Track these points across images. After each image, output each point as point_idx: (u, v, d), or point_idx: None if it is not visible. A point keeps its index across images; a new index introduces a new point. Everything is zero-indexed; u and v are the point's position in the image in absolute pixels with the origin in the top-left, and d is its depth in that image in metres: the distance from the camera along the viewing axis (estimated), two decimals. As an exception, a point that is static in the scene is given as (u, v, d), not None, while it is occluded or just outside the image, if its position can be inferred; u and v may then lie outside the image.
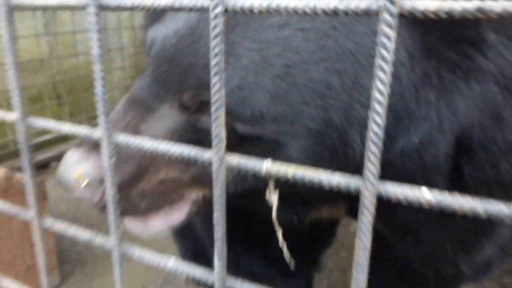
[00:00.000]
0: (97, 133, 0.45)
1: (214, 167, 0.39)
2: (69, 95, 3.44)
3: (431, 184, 0.78)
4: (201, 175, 0.77)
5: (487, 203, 0.30)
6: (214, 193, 0.40)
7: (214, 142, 0.38)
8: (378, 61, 0.29)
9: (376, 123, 0.30)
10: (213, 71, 0.35)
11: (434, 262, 1.05)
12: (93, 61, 0.39)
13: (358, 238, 0.34)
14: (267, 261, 1.08)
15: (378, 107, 0.30)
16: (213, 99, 0.36)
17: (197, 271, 0.47)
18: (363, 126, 0.72)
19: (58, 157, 3.30)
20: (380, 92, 0.30)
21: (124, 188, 0.74)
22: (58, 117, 3.44)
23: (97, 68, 0.39)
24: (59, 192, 2.75)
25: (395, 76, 0.70)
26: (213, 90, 0.36)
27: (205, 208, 0.83)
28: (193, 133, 0.72)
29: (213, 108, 0.36)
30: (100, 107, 0.42)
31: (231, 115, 0.68)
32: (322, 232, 1.37)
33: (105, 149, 0.45)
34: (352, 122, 0.72)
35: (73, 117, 3.43)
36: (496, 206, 0.29)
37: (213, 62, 0.35)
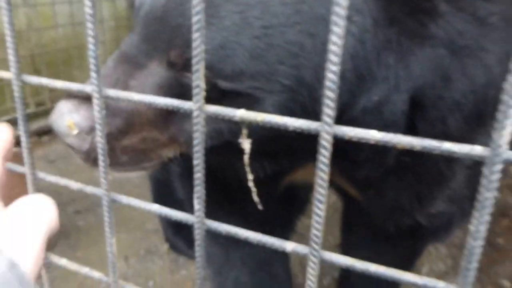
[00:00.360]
0: (88, 88, 0.50)
1: (194, 116, 0.44)
2: (48, 69, 3.41)
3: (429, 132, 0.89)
4: (178, 134, 0.83)
5: (421, 140, 0.36)
6: (194, 140, 0.45)
7: (194, 92, 0.43)
8: (333, 18, 0.34)
9: (331, 71, 0.36)
10: (194, 27, 0.40)
11: (393, 214, 1.15)
12: (86, 20, 0.43)
13: (317, 175, 0.40)
14: (245, 222, 1.15)
15: (333, 58, 0.35)
16: (194, 53, 0.41)
17: (178, 214, 0.52)
18: (350, 80, 0.80)
19: (37, 132, 3.30)
20: (335, 44, 0.35)
21: (109, 142, 0.80)
22: (36, 91, 3.41)
23: (89, 27, 0.44)
24: (40, 167, 2.77)
25: (360, 41, 0.77)
26: (194, 44, 0.41)
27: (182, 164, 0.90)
28: (178, 89, 0.79)
29: (194, 61, 0.41)
30: (91, 64, 0.47)
31: (214, 72, 0.75)
32: (296, 197, 1.45)
33: (95, 104, 0.50)
34: (322, 81, 0.78)
35: (52, 92, 3.41)
36: (428, 141, 0.35)
37: (194, 19, 0.40)
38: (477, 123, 0.91)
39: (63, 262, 0.64)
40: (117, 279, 0.61)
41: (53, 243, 2.13)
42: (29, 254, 0.49)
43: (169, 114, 0.81)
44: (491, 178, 0.33)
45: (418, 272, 2.06)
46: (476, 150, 0.34)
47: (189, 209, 1.35)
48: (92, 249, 2.13)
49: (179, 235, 2.10)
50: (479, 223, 0.35)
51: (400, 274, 0.42)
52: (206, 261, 1.61)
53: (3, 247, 0.46)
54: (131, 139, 0.83)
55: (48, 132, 3.39)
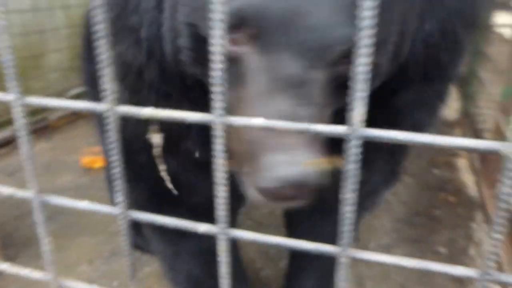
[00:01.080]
0: (9, 96, 0.53)
1: (107, 116, 0.48)
2: (2, 80, 3.36)
3: (448, 46, 1.05)
4: None
5: (299, 124, 0.41)
6: (109, 138, 0.50)
7: (106, 94, 0.47)
8: (211, 23, 0.39)
9: (217, 69, 0.41)
10: (100, 35, 0.44)
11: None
12: (-2, 33, 0.47)
13: (215, 162, 0.45)
14: (191, 210, 1.20)
15: (216, 57, 0.40)
16: (101, 58, 0.45)
17: (103, 208, 0.57)
18: (411, 31, 0.96)
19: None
20: (216, 45, 0.40)
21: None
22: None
23: (4, 38, 0.48)
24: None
25: None
26: (100, 50, 0.45)
27: None
28: (336, 84, 0.84)
29: (101, 65, 0.45)
30: (9, 74, 0.50)
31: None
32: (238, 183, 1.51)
33: (17, 111, 0.54)
34: (408, 29, 0.95)
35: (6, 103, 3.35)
36: (300, 124, 0.41)
37: (99, 27, 0.44)
38: (472, 26, 1.09)
39: (3, 266, 0.67)
40: (56, 276, 0.64)
41: (13, 255, 2.12)
42: None
43: None
44: (351, 152, 0.39)
45: (365, 247, 2.22)
46: (337, 129, 0.39)
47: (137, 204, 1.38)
48: (55, 256, 2.13)
49: (139, 235, 2.14)
50: (347, 191, 0.40)
51: (299, 244, 0.47)
52: (158, 258, 1.62)
53: None
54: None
55: (6, 144, 3.35)
